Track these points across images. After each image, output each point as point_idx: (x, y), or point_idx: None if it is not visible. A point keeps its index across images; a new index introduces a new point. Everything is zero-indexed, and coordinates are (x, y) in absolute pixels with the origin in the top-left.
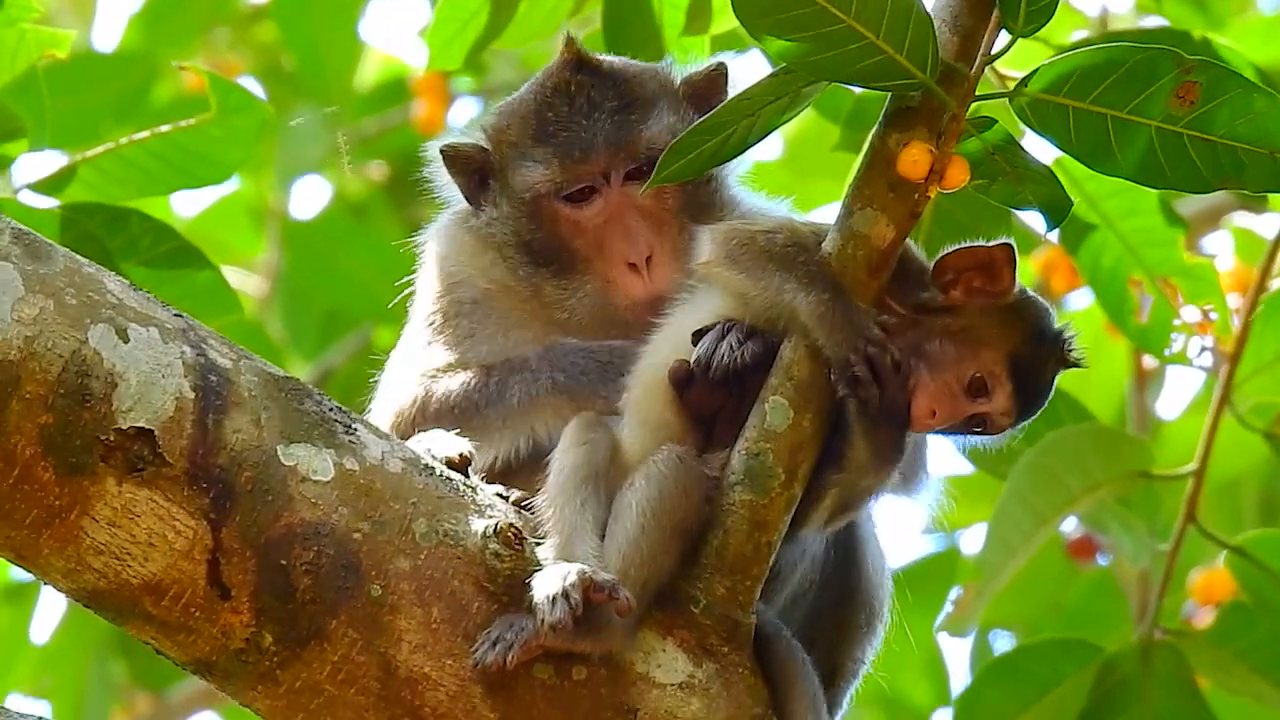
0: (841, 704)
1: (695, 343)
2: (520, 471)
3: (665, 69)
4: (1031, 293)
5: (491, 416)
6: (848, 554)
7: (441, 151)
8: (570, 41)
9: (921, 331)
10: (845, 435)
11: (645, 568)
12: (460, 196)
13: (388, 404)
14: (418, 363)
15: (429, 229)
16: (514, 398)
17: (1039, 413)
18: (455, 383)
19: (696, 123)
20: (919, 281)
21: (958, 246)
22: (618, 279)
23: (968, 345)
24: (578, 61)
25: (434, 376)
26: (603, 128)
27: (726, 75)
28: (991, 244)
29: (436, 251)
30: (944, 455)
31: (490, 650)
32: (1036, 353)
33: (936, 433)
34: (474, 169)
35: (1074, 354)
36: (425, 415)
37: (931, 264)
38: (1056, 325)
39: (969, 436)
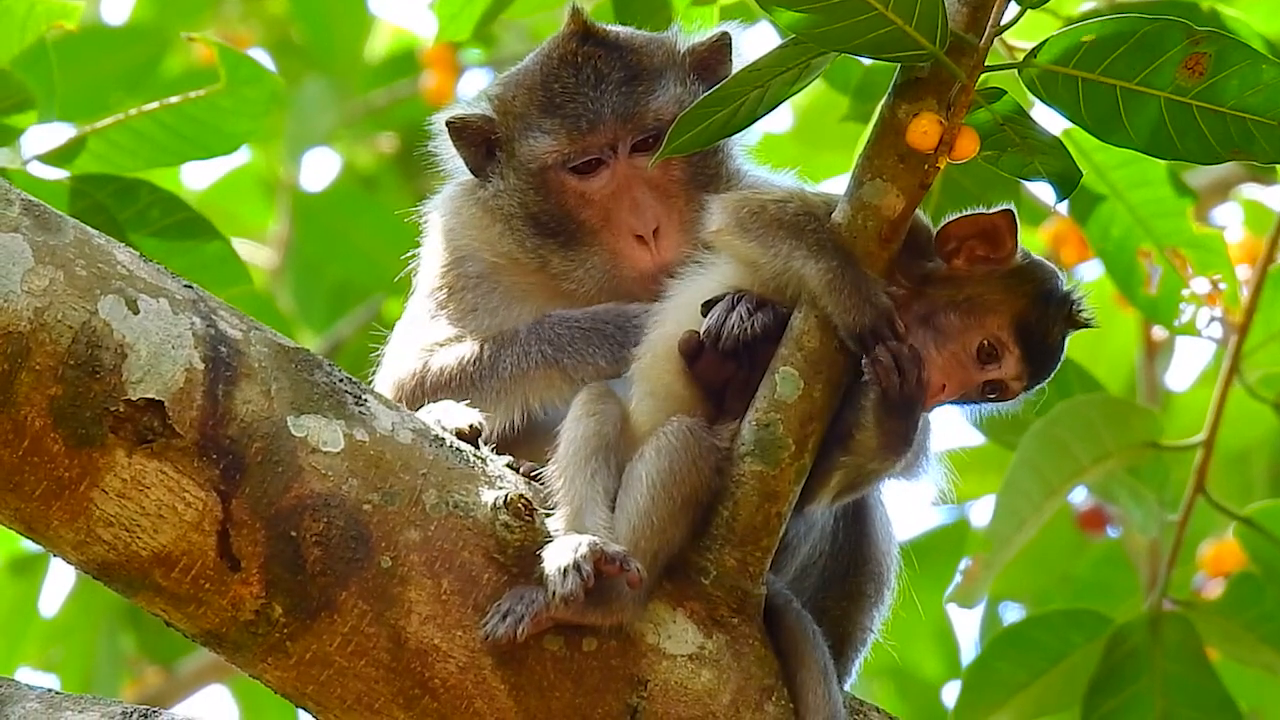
0: (851, 673)
1: (705, 313)
2: (518, 444)
3: (671, 39)
4: (1036, 257)
5: (485, 390)
6: (856, 524)
7: (448, 123)
8: (576, 12)
9: (927, 303)
10: (856, 419)
11: (656, 539)
12: (466, 168)
13: (389, 376)
14: (420, 336)
15: (434, 200)
16: (505, 371)
17: (1052, 375)
18: (452, 356)
19: (706, 94)
20: (925, 252)
21: (958, 215)
22: (624, 251)
23: (974, 313)
24: (584, 32)
25: (433, 350)
26: (609, 99)
27: (731, 45)
28: (992, 210)
29: (442, 223)
30: (953, 426)
31: (500, 622)
32: (1044, 315)
33: (951, 403)
34: (480, 140)
35: (1083, 314)
36: (424, 389)
37: (934, 234)
38: (1064, 287)
39: (984, 404)
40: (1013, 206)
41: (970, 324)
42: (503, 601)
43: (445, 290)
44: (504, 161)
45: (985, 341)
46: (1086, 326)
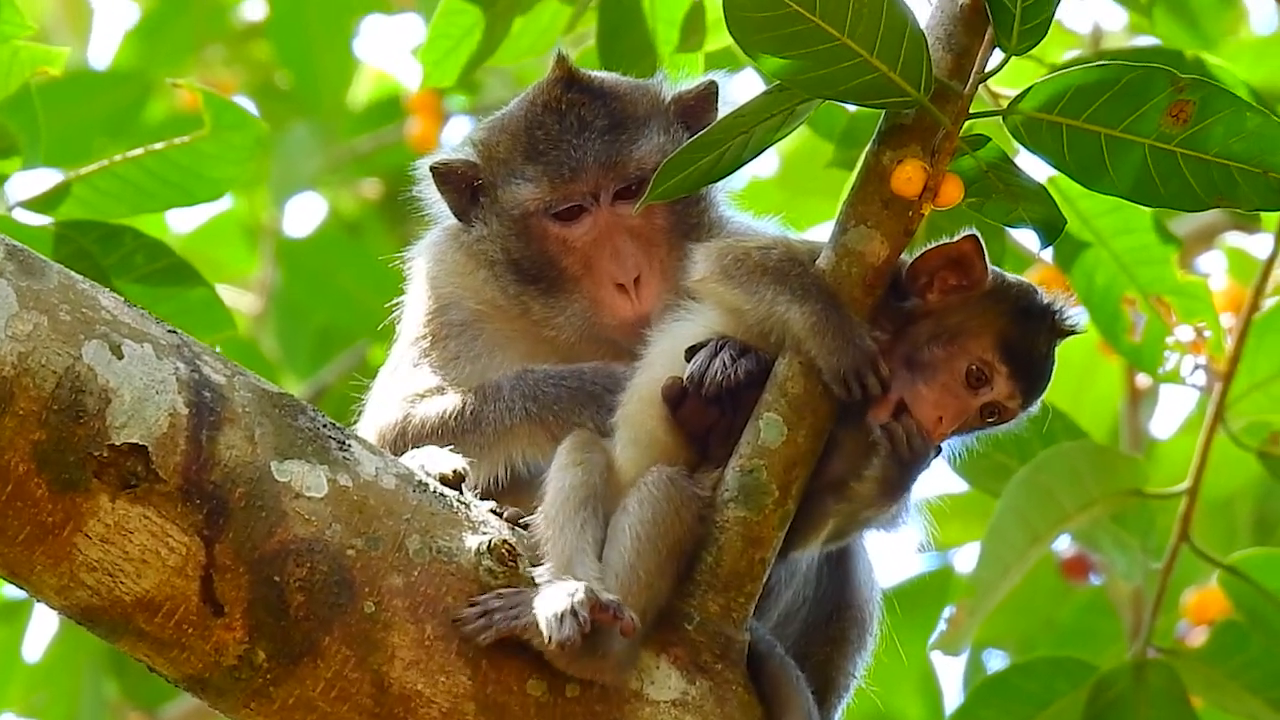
0: (834, 718)
1: (688, 359)
2: (500, 498)
3: (656, 86)
4: (1009, 276)
5: (467, 444)
6: (839, 569)
7: (432, 168)
8: (561, 59)
9: (909, 342)
10: (852, 469)
11: (644, 593)
12: (450, 213)
13: (372, 425)
14: (402, 385)
15: (418, 246)
16: (489, 426)
17: (1047, 388)
18: (434, 408)
19: (690, 140)
20: (901, 293)
21: (925, 249)
22: (605, 299)
23: (956, 341)
24: (569, 79)
25: (415, 400)
26: (593, 146)
27: (717, 93)
28: (957, 238)
29: (426, 270)
30: (938, 474)
31: (475, 620)
32: (1026, 329)
33: (955, 434)
34: (464, 185)
35: (1069, 321)
36: (405, 439)
37: (906, 270)
38: (1044, 298)
39: (988, 429)
40: (975, 230)
41: (954, 352)
42: (490, 599)
43: (428, 338)
44: (487, 207)
45: (972, 366)
46: (1073, 333)
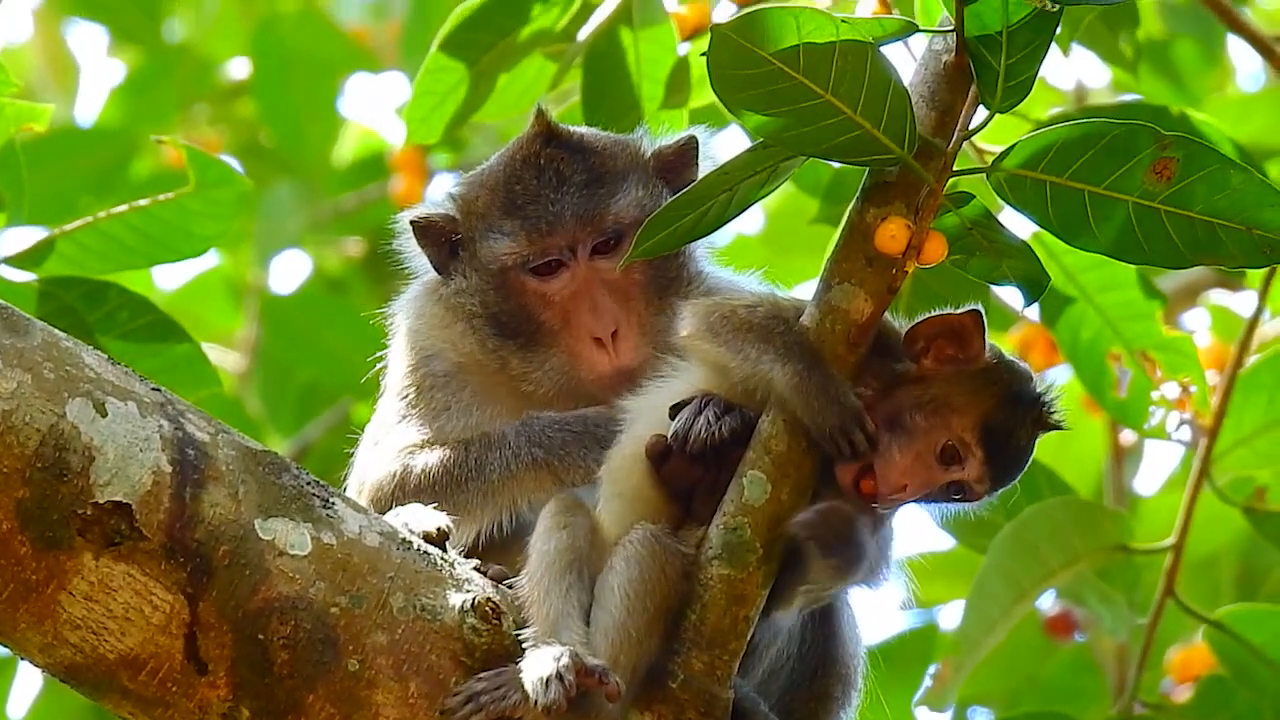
0: None
1: (673, 416)
2: (503, 546)
3: (636, 142)
4: (1007, 357)
5: (472, 492)
6: (823, 625)
7: (412, 222)
8: (540, 114)
9: (894, 404)
10: (806, 562)
11: (633, 651)
12: (430, 267)
13: (365, 480)
14: (394, 438)
15: (399, 300)
16: (494, 473)
17: (1018, 477)
18: (434, 458)
19: (674, 197)
20: (894, 353)
21: (927, 315)
22: (583, 353)
23: (939, 414)
24: (548, 134)
25: (411, 452)
26: (570, 201)
27: (697, 148)
28: (960, 310)
29: (408, 323)
30: (924, 531)
31: (462, 707)
32: (1010, 417)
33: (915, 502)
34: (443, 239)
35: (1054, 416)
36: (405, 491)
37: (905, 333)
38: (1035, 389)
39: (948, 504)
40: (980, 306)
41: (935, 424)
42: (474, 683)
43: (414, 390)
44: (466, 261)
45: (949, 443)
46: (1057, 429)
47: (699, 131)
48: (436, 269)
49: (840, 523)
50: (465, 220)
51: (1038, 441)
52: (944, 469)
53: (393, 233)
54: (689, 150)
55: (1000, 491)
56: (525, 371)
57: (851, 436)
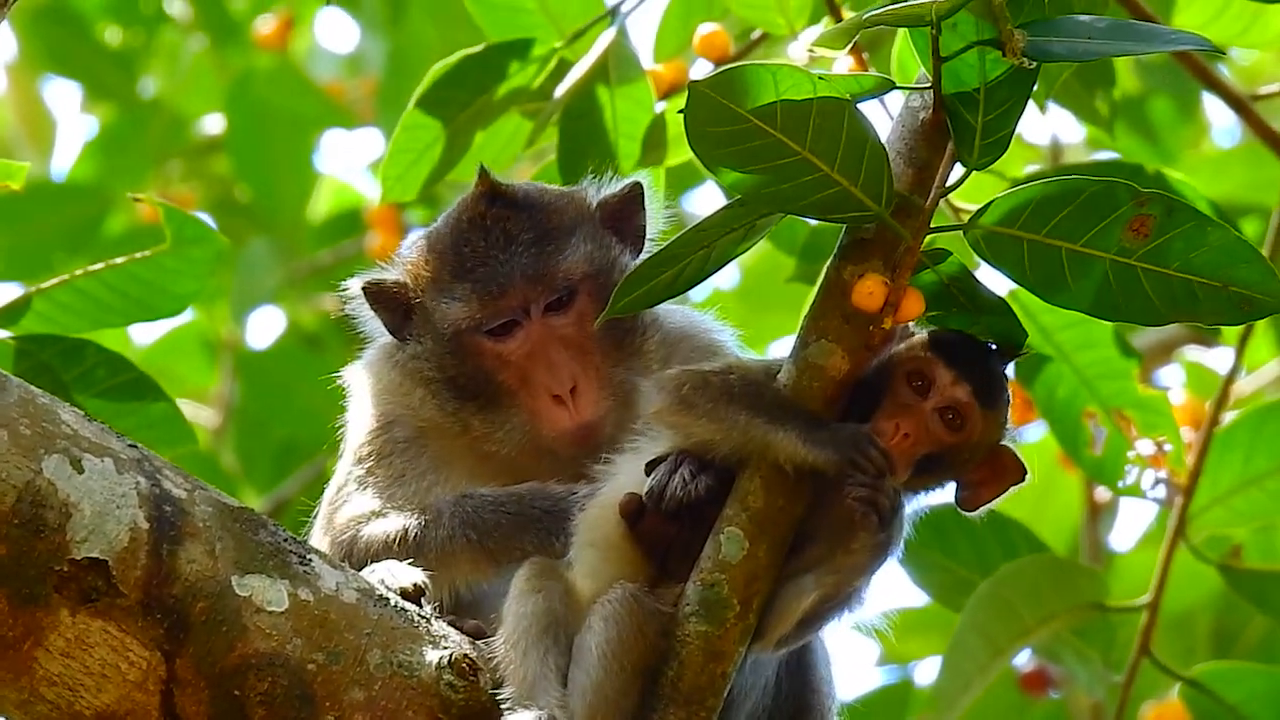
0: None
1: (648, 474)
2: (475, 604)
3: (581, 193)
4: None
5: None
6: (798, 675)
7: (364, 288)
8: (484, 173)
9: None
10: (838, 548)
11: (610, 712)
12: (385, 331)
13: (323, 540)
14: (349, 507)
15: (357, 364)
16: (431, 553)
17: (1006, 396)
18: (379, 532)
19: (650, 255)
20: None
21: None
22: (543, 411)
23: (890, 365)
24: (491, 193)
25: (361, 524)
26: (519, 261)
27: (643, 194)
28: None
29: (368, 386)
30: (901, 588)
31: None
32: (951, 332)
33: (932, 457)
34: (396, 304)
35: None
36: (352, 564)
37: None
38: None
39: (961, 444)
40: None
41: (893, 373)
42: None
43: (374, 456)
44: (420, 324)
45: (909, 372)
46: (1019, 350)
47: (642, 177)
48: (392, 333)
49: (893, 496)
50: (415, 284)
51: (1001, 362)
52: (923, 399)
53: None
54: (635, 197)
55: (1002, 419)
56: (487, 432)
57: (871, 456)
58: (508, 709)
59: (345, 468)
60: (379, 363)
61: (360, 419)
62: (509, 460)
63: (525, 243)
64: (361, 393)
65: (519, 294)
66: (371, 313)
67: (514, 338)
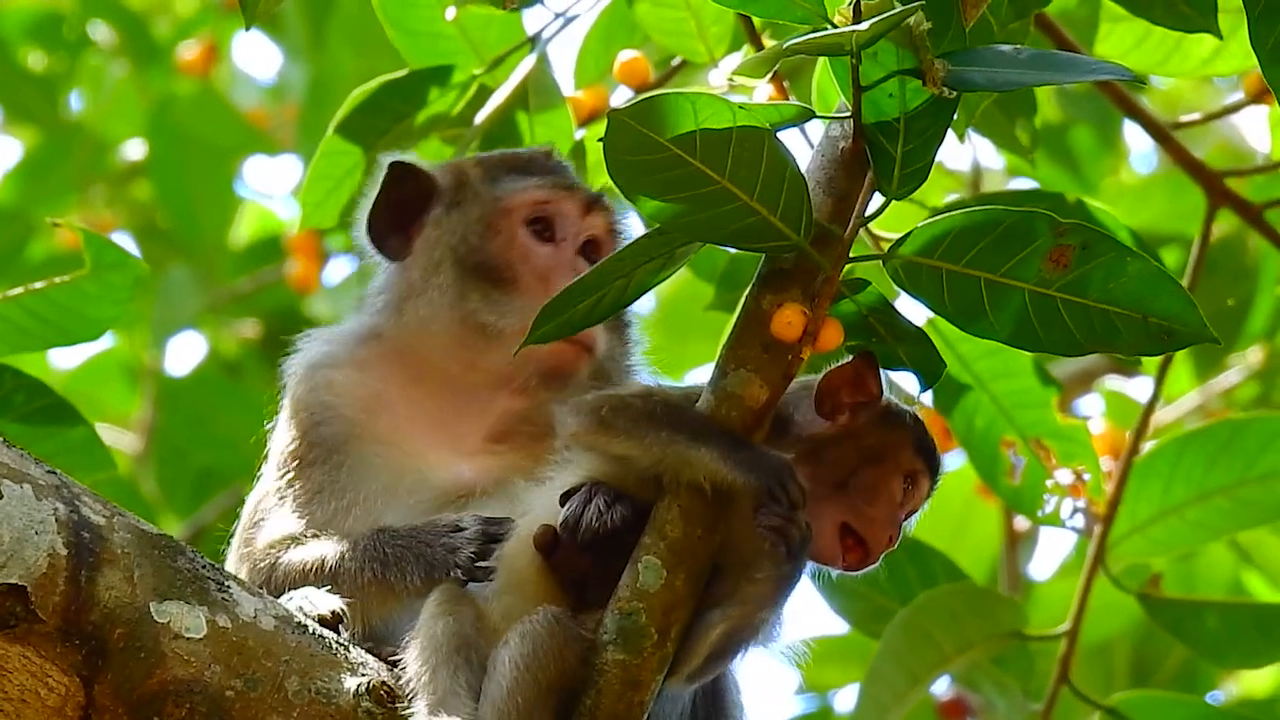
0: None
1: (563, 505)
2: (392, 634)
3: None
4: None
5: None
6: (714, 704)
7: (392, 164)
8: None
9: (832, 467)
10: (745, 574)
11: None
12: (375, 239)
13: (240, 566)
14: (268, 527)
15: (297, 357)
16: (344, 583)
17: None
18: (297, 559)
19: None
20: (789, 424)
21: (825, 372)
22: None
23: (885, 458)
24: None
25: (281, 548)
26: (585, 188)
27: None
28: (851, 359)
29: (304, 376)
30: (817, 616)
31: None
32: (924, 434)
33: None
34: (420, 195)
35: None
36: (270, 590)
37: (813, 396)
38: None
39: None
40: (870, 349)
41: (888, 468)
42: None
43: (297, 464)
44: (441, 215)
45: (906, 477)
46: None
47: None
48: (387, 235)
49: (804, 530)
50: (454, 179)
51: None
52: (904, 503)
53: (288, 315)
54: None
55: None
56: (489, 318)
57: (788, 488)
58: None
59: (268, 475)
60: (331, 340)
61: (289, 417)
62: (508, 339)
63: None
64: (296, 385)
65: (582, 201)
66: (372, 234)
67: (548, 247)
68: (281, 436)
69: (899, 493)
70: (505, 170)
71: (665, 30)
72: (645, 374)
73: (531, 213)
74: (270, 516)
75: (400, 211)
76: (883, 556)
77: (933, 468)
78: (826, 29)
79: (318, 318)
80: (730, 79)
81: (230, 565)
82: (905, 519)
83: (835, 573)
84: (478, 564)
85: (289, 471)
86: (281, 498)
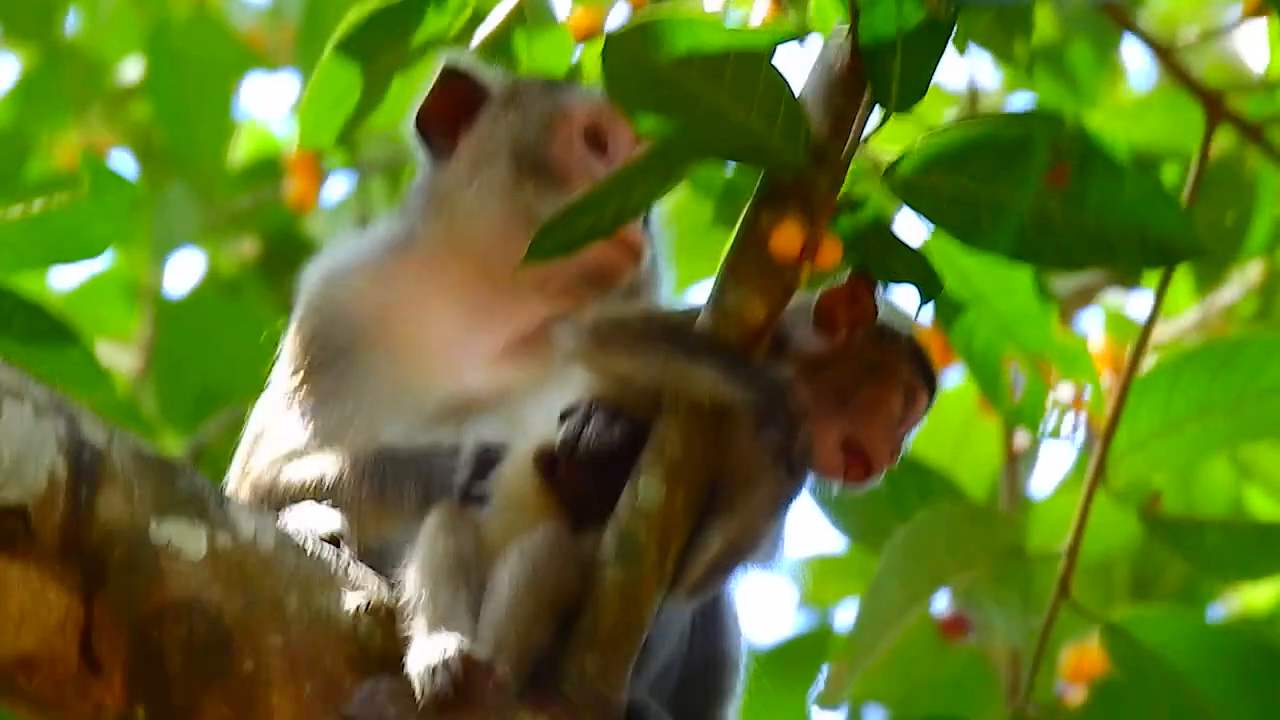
0: None
1: (561, 424)
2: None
3: None
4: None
5: None
6: (712, 622)
7: (446, 64)
8: None
9: (834, 384)
10: (747, 488)
11: (521, 640)
12: (426, 138)
13: (243, 480)
14: (272, 439)
15: (322, 259)
16: (342, 500)
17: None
18: (297, 476)
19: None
20: (786, 342)
21: (823, 291)
22: None
23: (886, 372)
24: None
25: (284, 463)
26: None
27: None
28: (845, 277)
29: (325, 275)
30: (819, 532)
31: None
32: (919, 349)
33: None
34: (472, 96)
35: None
36: (270, 507)
37: (810, 315)
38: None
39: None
40: (864, 268)
41: (887, 383)
42: (350, 707)
43: (304, 368)
44: (497, 113)
45: (903, 392)
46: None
47: None
48: (437, 135)
49: (804, 449)
50: (509, 89)
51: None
52: (904, 418)
53: (287, 234)
54: None
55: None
56: (535, 207)
57: (787, 405)
58: (416, 640)
59: (276, 381)
60: (352, 251)
61: (302, 319)
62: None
63: None
64: (312, 289)
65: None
66: (420, 132)
67: (602, 160)
68: (292, 340)
69: (898, 408)
70: (563, 82)
71: None
72: (669, 292)
73: (589, 123)
74: (274, 426)
75: (451, 112)
76: (884, 471)
77: (929, 382)
78: None
79: (316, 236)
80: None
81: (232, 484)
82: (905, 434)
83: (836, 487)
84: (475, 489)
85: (296, 376)
86: (287, 405)
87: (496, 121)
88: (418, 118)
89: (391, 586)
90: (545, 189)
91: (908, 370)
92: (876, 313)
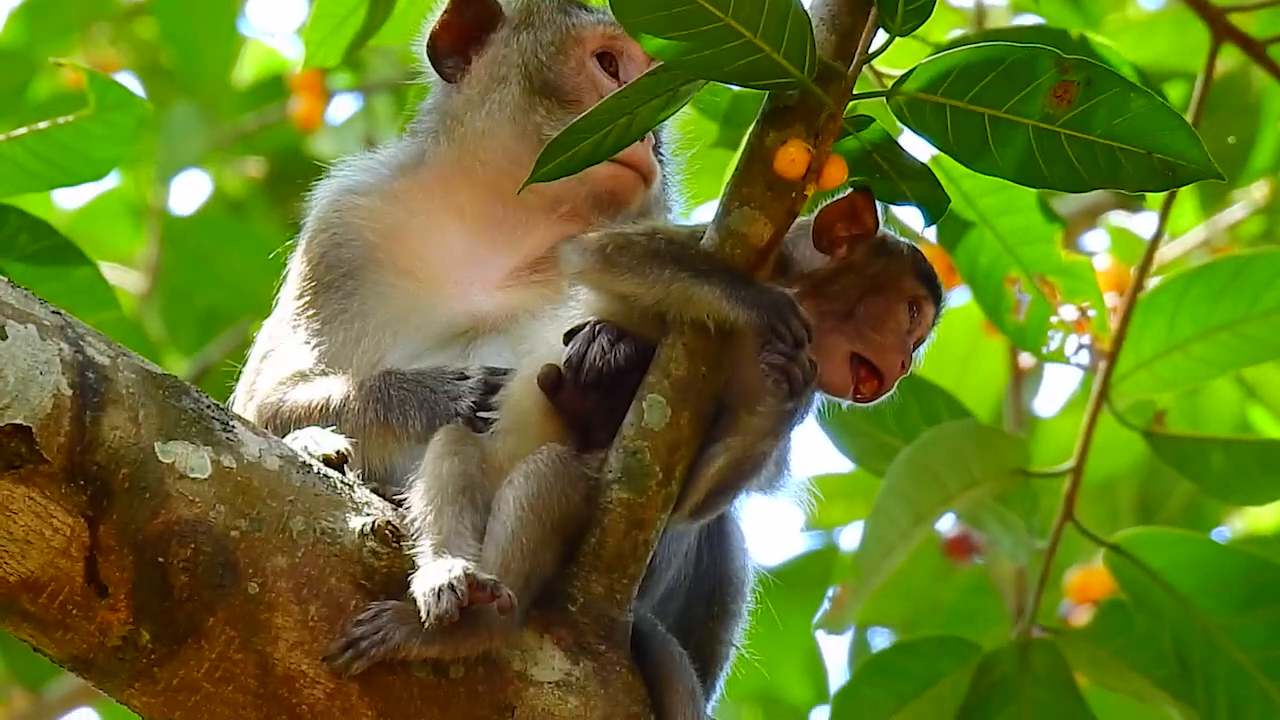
0: (716, 688)
1: (567, 344)
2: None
3: None
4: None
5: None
6: (718, 545)
7: None
8: None
9: (837, 299)
10: (748, 404)
11: (526, 562)
12: (435, 60)
13: (248, 402)
14: (278, 360)
15: (332, 179)
16: (348, 423)
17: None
18: (303, 399)
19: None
20: (788, 262)
21: (822, 207)
22: None
23: (889, 286)
24: None
25: (289, 385)
26: None
27: None
28: (845, 193)
29: (332, 196)
30: (823, 453)
31: (342, 654)
32: (922, 261)
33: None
34: (483, 17)
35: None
36: (277, 425)
37: (810, 232)
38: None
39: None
40: (864, 182)
41: (892, 295)
42: (354, 627)
43: (311, 288)
44: (509, 35)
45: (911, 303)
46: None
47: None
48: (447, 56)
49: (807, 369)
50: (524, 6)
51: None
52: (912, 329)
53: (292, 154)
54: None
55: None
56: (546, 128)
57: (790, 323)
58: (422, 561)
59: (283, 301)
60: (362, 170)
61: (310, 238)
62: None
63: None
64: (321, 208)
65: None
66: (431, 54)
67: (615, 82)
68: (299, 260)
69: (905, 319)
70: (576, 4)
71: None
72: (679, 213)
73: (601, 45)
74: (280, 347)
75: (462, 34)
76: (895, 384)
77: (935, 293)
78: None
79: (321, 156)
80: None
81: (237, 405)
82: (914, 346)
83: (847, 405)
84: (479, 413)
85: (304, 296)
86: (294, 325)
87: (509, 43)
88: (430, 39)
89: (397, 509)
90: (557, 111)
91: (911, 281)
92: (877, 226)
